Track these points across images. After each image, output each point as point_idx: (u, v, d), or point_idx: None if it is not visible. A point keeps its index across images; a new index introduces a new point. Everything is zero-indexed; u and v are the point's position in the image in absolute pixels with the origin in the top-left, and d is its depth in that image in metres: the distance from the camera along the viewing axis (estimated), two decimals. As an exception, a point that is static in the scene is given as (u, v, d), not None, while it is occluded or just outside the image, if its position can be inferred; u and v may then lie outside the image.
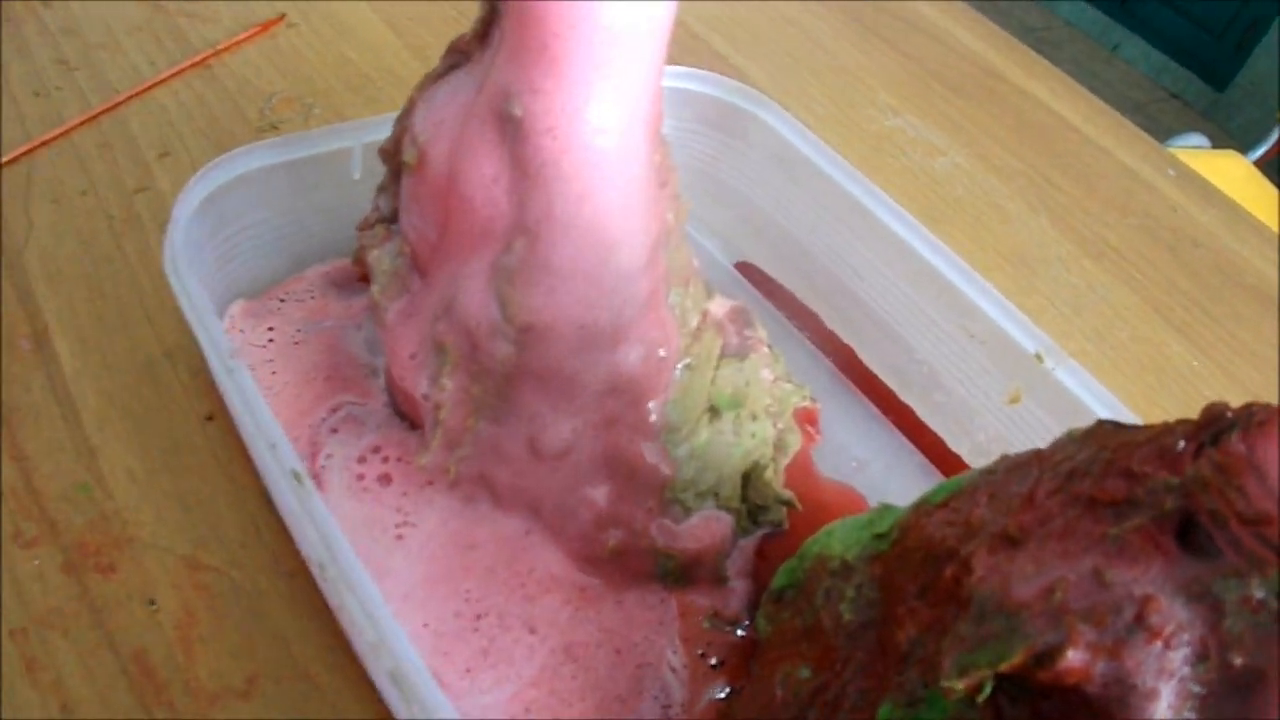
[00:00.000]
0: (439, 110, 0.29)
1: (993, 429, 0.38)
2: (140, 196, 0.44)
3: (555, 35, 0.26)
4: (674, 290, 0.32)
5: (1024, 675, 0.19)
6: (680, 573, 0.33)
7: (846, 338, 0.43)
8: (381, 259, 0.32)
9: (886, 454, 0.40)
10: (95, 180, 0.44)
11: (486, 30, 0.28)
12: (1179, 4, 1.91)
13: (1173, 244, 0.55)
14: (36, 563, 0.32)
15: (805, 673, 0.25)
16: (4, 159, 0.44)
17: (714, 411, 0.34)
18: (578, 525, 0.32)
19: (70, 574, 0.32)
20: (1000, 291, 0.37)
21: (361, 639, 0.25)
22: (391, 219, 0.33)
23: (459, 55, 0.30)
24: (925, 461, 0.40)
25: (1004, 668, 0.19)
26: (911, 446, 0.41)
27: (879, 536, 0.26)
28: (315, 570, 0.28)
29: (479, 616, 0.31)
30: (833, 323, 0.43)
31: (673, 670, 0.32)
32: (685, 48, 0.60)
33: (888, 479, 0.39)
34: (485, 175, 0.28)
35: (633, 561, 0.32)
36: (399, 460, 0.33)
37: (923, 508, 0.25)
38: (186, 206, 0.34)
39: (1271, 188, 0.97)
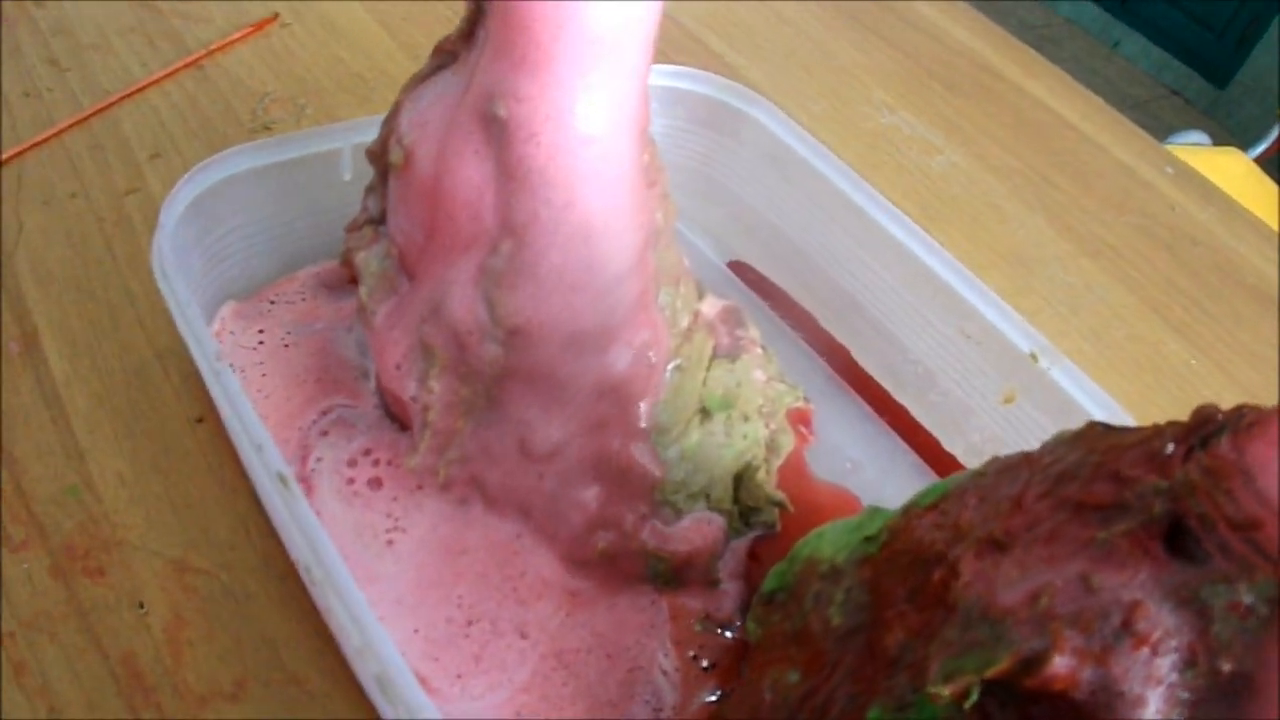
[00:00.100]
0: (425, 111, 0.29)
1: (988, 429, 0.37)
2: (131, 198, 0.44)
3: (539, 42, 0.26)
4: (664, 291, 0.32)
5: (1011, 681, 0.18)
6: (671, 575, 0.33)
7: (841, 337, 0.42)
8: (369, 261, 0.32)
9: (881, 455, 0.40)
10: (86, 182, 0.44)
11: (472, 30, 0.28)
12: (1179, 1, 1.91)
13: (1171, 242, 0.55)
14: (25, 566, 0.32)
15: (794, 677, 0.25)
16: (-5, 160, 0.44)
17: (705, 413, 0.34)
18: (568, 527, 0.32)
19: (59, 577, 0.32)
20: (997, 291, 0.37)
21: (348, 643, 0.25)
22: (380, 220, 0.32)
23: (445, 56, 0.29)
24: (920, 462, 0.40)
25: (990, 674, 0.18)
26: (906, 447, 0.40)
27: (868, 539, 0.26)
28: (303, 574, 0.28)
29: (470, 622, 0.31)
30: (827, 322, 0.43)
31: (664, 673, 0.31)
32: (680, 45, 0.60)
33: (882, 480, 0.39)
34: (471, 177, 0.27)
35: (624, 564, 0.32)
36: (389, 463, 0.33)
37: (912, 511, 0.25)
38: (174, 209, 0.33)
39: (1272, 185, 0.97)
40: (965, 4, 0.71)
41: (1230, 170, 0.93)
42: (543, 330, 0.29)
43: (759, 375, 0.37)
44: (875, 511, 0.27)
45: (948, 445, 0.39)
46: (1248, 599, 0.17)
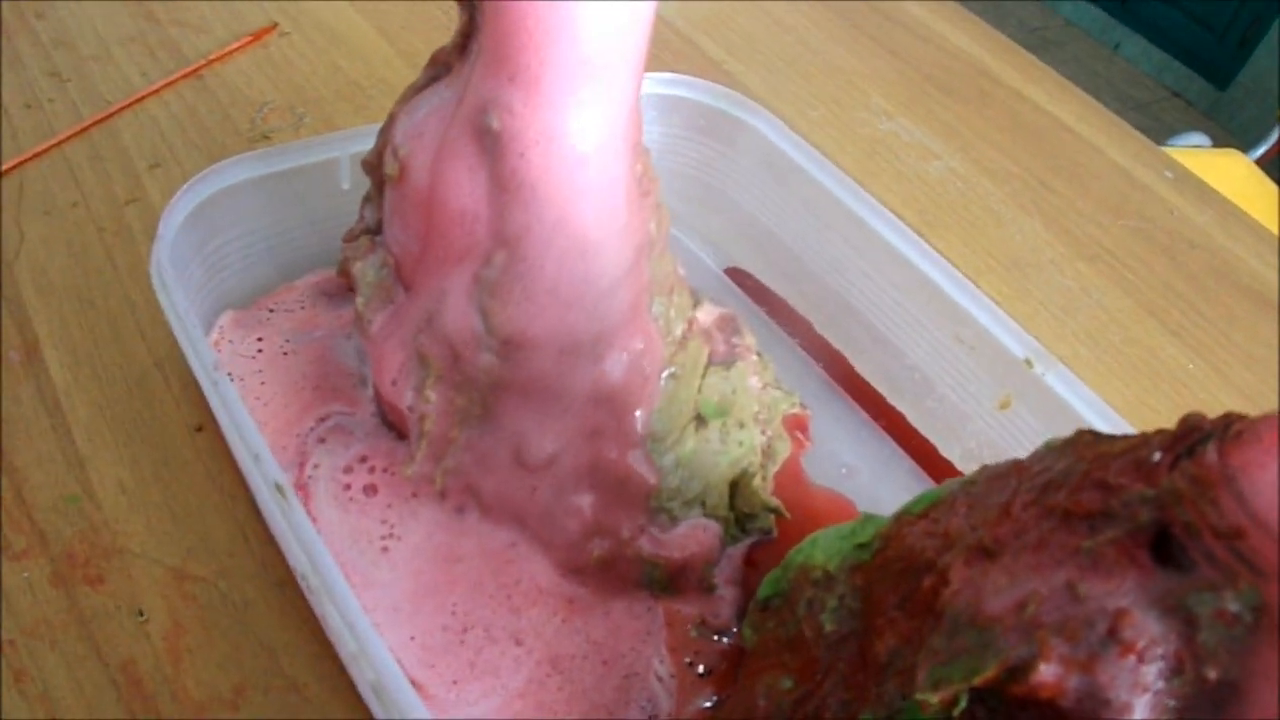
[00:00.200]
0: (419, 123, 0.29)
1: (984, 435, 0.38)
2: (131, 208, 0.44)
3: (529, 62, 0.26)
4: (657, 299, 0.32)
5: (998, 688, 0.19)
6: (667, 581, 0.33)
7: (837, 343, 0.43)
8: (366, 270, 0.32)
9: (877, 461, 0.40)
10: (86, 192, 0.45)
11: (465, 42, 0.28)
12: (1180, 2, 1.91)
13: (1168, 245, 0.55)
14: (25, 574, 0.33)
15: (787, 683, 0.25)
16: (-4, 171, 0.44)
17: (700, 420, 0.34)
18: (564, 535, 0.32)
19: (59, 585, 0.32)
20: (994, 296, 0.37)
21: (344, 649, 0.25)
22: (376, 230, 0.33)
23: (440, 67, 0.30)
24: (916, 468, 0.40)
25: (977, 681, 0.18)
26: (902, 452, 0.40)
27: (861, 546, 0.26)
28: (301, 581, 0.28)
29: (466, 629, 0.31)
30: (824, 328, 0.43)
31: (660, 680, 0.32)
32: (677, 52, 0.60)
33: (878, 486, 0.39)
34: (465, 188, 0.28)
35: (619, 570, 0.32)
36: (385, 471, 0.33)
37: (904, 518, 0.25)
38: (173, 220, 0.34)
39: (1272, 186, 0.97)
40: (963, 9, 0.71)
41: (1231, 172, 0.93)
42: (537, 340, 0.29)
43: (754, 382, 0.37)
44: (868, 518, 0.28)
45: (944, 451, 0.39)
46: (1233, 607, 0.17)
